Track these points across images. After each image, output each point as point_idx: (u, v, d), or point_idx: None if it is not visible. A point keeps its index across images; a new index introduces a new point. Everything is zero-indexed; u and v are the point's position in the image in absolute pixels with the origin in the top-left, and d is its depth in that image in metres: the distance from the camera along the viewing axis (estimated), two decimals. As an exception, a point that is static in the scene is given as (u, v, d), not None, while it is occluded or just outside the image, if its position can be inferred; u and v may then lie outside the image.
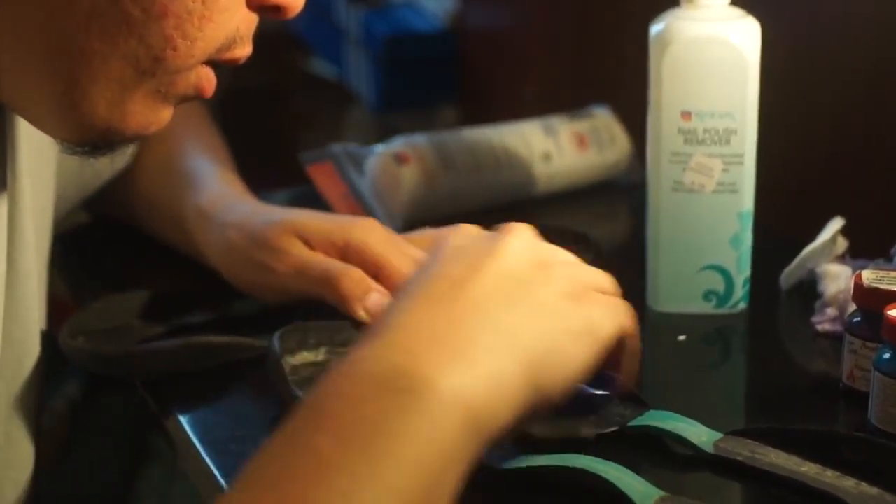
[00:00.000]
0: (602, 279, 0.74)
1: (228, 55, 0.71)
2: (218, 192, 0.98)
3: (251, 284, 0.93)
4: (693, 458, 0.76)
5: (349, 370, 0.63)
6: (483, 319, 0.66)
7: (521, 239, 0.71)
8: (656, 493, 0.70)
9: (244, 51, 0.71)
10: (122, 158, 1.04)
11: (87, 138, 0.71)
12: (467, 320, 0.65)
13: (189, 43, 0.67)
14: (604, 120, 1.24)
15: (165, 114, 0.71)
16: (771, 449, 0.75)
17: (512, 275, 0.68)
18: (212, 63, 0.71)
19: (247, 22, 0.70)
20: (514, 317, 0.67)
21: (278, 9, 0.71)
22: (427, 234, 0.93)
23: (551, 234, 1.05)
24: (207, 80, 0.71)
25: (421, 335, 0.64)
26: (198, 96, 0.72)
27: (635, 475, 0.71)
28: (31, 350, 0.85)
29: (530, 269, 0.69)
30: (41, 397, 0.87)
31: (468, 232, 0.76)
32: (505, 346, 0.65)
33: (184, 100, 0.71)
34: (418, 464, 0.60)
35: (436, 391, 0.61)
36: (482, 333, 0.65)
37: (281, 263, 0.90)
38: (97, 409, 1.29)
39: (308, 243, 0.90)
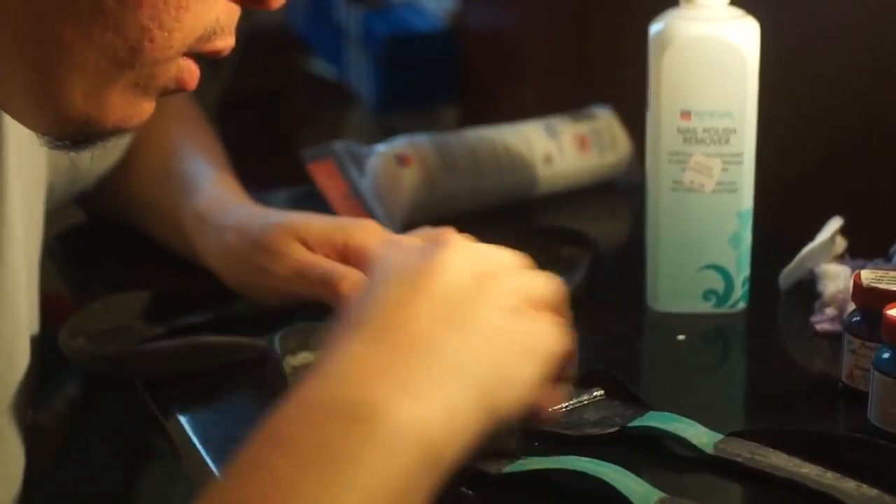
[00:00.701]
0: (545, 286, 0.71)
1: (209, 47, 0.69)
2: (215, 195, 0.98)
3: (250, 287, 0.93)
4: (693, 459, 0.76)
5: (304, 398, 0.63)
6: (429, 348, 0.65)
7: (458, 251, 0.69)
8: (656, 494, 0.70)
9: (226, 42, 0.69)
10: (115, 152, 1.04)
11: (65, 131, 0.69)
12: (414, 350, 0.65)
13: (166, 34, 0.65)
14: (605, 121, 1.24)
15: (147, 107, 0.69)
16: (771, 450, 0.75)
17: (452, 294, 0.67)
18: (194, 55, 0.69)
19: (227, 13, 0.69)
20: (460, 342, 0.66)
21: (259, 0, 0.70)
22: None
23: (551, 234, 1.07)
24: (189, 72, 0.69)
25: (371, 366, 0.64)
26: (179, 89, 0.70)
27: (635, 477, 0.71)
28: (21, 346, 0.84)
29: (470, 285, 0.68)
30: (34, 395, 0.87)
31: (404, 246, 0.73)
32: (454, 374, 0.64)
33: (165, 93, 0.70)
34: (376, 492, 0.60)
35: (391, 423, 0.61)
36: (431, 362, 0.64)
37: (280, 266, 0.90)
38: (97, 409, 1.29)
39: (307, 245, 0.90)
